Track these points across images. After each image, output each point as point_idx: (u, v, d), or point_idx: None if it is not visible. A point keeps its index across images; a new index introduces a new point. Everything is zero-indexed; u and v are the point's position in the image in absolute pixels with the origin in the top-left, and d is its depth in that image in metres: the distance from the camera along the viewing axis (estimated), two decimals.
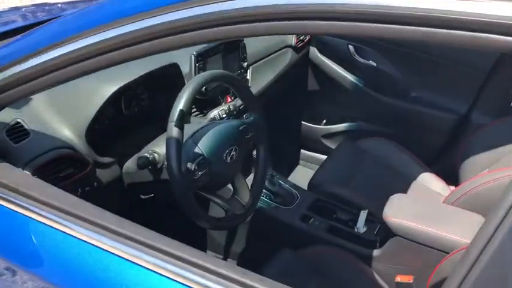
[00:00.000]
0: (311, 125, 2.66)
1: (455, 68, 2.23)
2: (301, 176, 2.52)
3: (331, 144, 2.59)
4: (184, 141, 1.25)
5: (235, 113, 1.67)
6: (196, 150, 1.23)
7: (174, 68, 1.52)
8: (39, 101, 1.27)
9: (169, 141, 1.13)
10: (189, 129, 1.32)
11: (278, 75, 2.13)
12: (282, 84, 2.27)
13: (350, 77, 2.43)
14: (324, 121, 2.64)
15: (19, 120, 1.20)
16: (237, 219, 1.34)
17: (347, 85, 2.44)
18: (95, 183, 1.26)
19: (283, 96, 2.53)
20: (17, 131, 1.18)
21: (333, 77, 2.46)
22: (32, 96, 1.27)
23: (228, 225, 1.33)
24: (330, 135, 2.62)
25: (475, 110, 2.22)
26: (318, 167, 2.14)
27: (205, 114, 1.64)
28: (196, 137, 1.27)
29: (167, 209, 1.20)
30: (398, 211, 1.54)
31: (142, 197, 1.39)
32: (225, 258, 1.96)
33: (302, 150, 2.74)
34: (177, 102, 1.16)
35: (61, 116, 1.25)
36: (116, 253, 0.84)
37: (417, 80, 2.31)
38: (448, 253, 1.40)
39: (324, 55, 2.45)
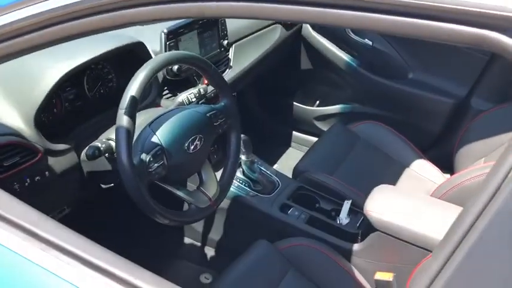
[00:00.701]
0: (304, 106, 2.54)
1: (456, 49, 2.08)
2: (293, 158, 2.42)
3: (324, 127, 2.47)
4: (142, 129, 1.16)
5: (206, 97, 1.56)
6: (154, 139, 1.13)
7: (140, 47, 1.41)
8: None
9: (119, 131, 1.04)
10: (148, 116, 1.22)
11: (265, 54, 2.01)
12: (270, 63, 2.15)
13: (345, 56, 2.29)
14: (317, 102, 2.52)
15: None
16: (199, 214, 1.26)
17: (341, 65, 2.31)
18: (47, 172, 1.17)
19: (271, 75, 2.41)
20: None
21: (327, 56, 2.32)
22: None
23: (189, 220, 1.25)
24: (323, 117, 2.50)
25: (475, 95, 2.08)
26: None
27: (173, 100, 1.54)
28: (155, 124, 1.17)
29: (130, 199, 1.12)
30: (380, 205, 1.44)
31: (103, 186, 1.31)
32: (202, 246, 1.90)
33: (294, 132, 2.63)
34: (128, 88, 1.06)
35: (8, 101, 1.15)
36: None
37: (415, 61, 2.18)
38: (430, 251, 1.31)
39: (317, 32, 2.31)
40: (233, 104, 1.34)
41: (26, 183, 1.13)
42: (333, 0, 0.58)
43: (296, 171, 1.89)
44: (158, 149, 1.12)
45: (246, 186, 1.73)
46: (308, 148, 2.12)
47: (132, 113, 1.05)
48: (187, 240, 1.94)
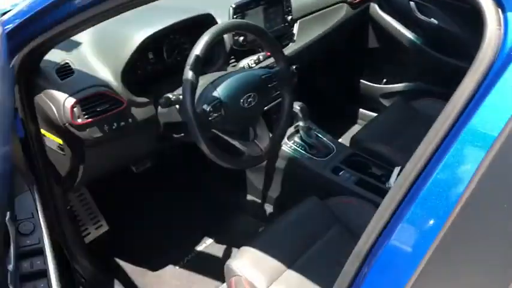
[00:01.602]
0: (370, 83, 2.64)
1: None
2: None
3: (389, 104, 2.55)
4: (205, 86, 1.38)
5: (268, 66, 1.75)
6: (214, 94, 1.35)
7: (209, 19, 1.62)
8: (85, 45, 1.46)
9: (185, 83, 1.26)
10: (212, 77, 1.43)
11: (329, 31, 2.14)
12: (335, 40, 2.28)
13: (411, 35, 2.36)
14: (384, 80, 2.60)
15: (67, 61, 1.40)
16: (252, 161, 1.45)
17: (407, 44, 2.37)
18: (130, 119, 1.44)
19: (338, 52, 2.53)
20: (64, 70, 1.38)
21: (394, 35, 2.40)
22: (80, 41, 1.47)
23: (244, 165, 1.44)
24: (389, 95, 2.58)
25: None
26: None
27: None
28: (216, 82, 1.38)
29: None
30: None
31: (175, 136, 1.55)
32: (262, 203, 2.10)
33: (360, 109, 2.74)
34: (194, 48, 1.28)
35: (102, 59, 1.43)
36: None
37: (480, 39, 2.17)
38: None
39: (384, 12, 2.40)
40: (287, 70, 1.51)
41: (113, 127, 1.41)
42: None
43: (353, 140, 2.02)
44: (217, 101, 1.33)
45: (302, 149, 1.90)
46: None
47: (196, 69, 1.27)
48: (249, 197, 2.16)
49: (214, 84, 1.38)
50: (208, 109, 1.31)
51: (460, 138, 0.66)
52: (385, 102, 2.60)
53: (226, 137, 1.39)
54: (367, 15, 2.44)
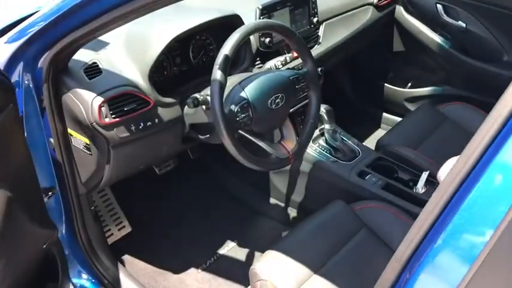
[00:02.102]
0: (395, 87, 2.60)
1: None
2: None
3: (414, 108, 2.51)
4: (233, 86, 1.36)
5: (294, 68, 1.73)
6: (242, 94, 1.33)
7: (237, 19, 1.61)
8: (113, 45, 1.46)
9: (213, 83, 1.25)
10: (240, 77, 1.42)
11: (355, 33, 2.12)
12: (361, 42, 2.25)
13: (437, 38, 2.32)
14: (409, 84, 2.56)
15: (95, 60, 1.40)
16: (279, 163, 1.43)
17: (434, 47, 2.33)
18: (156, 120, 1.43)
19: (363, 55, 2.50)
20: (92, 70, 1.38)
21: (420, 38, 2.36)
22: (108, 41, 1.47)
23: (270, 168, 1.42)
24: (413, 99, 2.54)
25: None
26: None
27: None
28: (244, 83, 1.37)
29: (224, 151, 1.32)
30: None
31: (201, 137, 1.54)
32: (285, 207, 2.08)
33: (384, 114, 2.70)
34: (223, 48, 1.26)
35: (129, 59, 1.42)
36: None
37: (511, 43, 2.13)
38: None
39: (410, 14, 2.36)
40: (315, 72, 1.49)
41: (140, 127, 1.40)
42: None
43: (379, 144, 1.98)
44: (245, 102, 1.32)
45: (327, 152, 1.87)
46: None
47: (224, 68, 1.25)
48: (272, 200, 2.14)
49: (242, 85, 1.36)
50: (236, 110, 1.30)
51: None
52: (410, 107, 2.56)
53: (252, 138, 1.37)
54: (392, 18, 2.40)
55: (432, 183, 1.73)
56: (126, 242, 2.00)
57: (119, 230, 2.02)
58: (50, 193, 1.60)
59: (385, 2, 2.27)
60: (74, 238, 1.69)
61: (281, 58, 1.66)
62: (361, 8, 2.17)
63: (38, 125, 1.38)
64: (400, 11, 2.38)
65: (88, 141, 1.42)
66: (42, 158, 1.43)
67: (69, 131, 1.45)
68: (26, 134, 1.31)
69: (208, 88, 1.47)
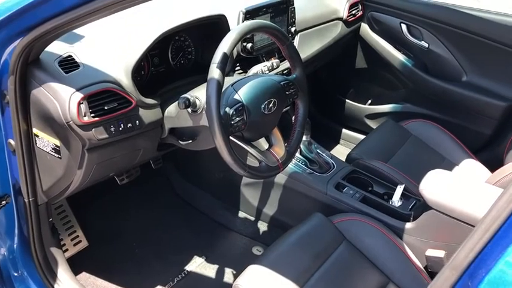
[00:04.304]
0: (356, 103, 2.63)
1: (510, 54, 2.13)
2: (341, 154, 2.51)
3: (374, 125, 2.55)
4: (225, 88, 1.28)
5: (277, 71, 1.69)
6: (236, 97, 1.25)
7: (221, 20, 1.54)
8: (91, 38, 1.33)
9: (211, 82, 1.16)
10: (230, 79, 1.34)
11: (326, 47, 2.11)
12: (328, 57, 2.25)
13: (400, 56, 2.38)
14: (370, 101, 2.60)
15: (71, 53, 1.26)
16: (270, 171, 1.35)
17: (396, 65, 2.39)
18: (137, 122, 1.30)
19: (326, 71, 2.51)
20: (68, 63, 1.24)
21: (383, 55, 2.42)
22: (85, 34, 1.34)
23: (261, 176, 1.34)
24: (374, 116, 2.58)
25: None
26: None
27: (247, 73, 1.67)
28: (237, 85, 1.29)
29: (202, 157, 1.23)
30: (435, 184, 1.51)
31: (181, 142, 1.43)
32: (256, 220, 2.00)
33: (344, 129, 2.71)
34: (221, 45, 1.18)
35: (111, 54, 1.30)
36: None
37: (470, 64, 2.22)
38: None
39: (374, 32, 2.41)
40: (304, 78, 1.44)
41: (120, 128, 1.26)
42: None
43: (349, 157, 1.97)
44: (240, 105, 1.23)
45: (303, 164, 1.83)
46: (355, 145, 2.20)
47: (223, 68, 1.16)
48: (241, 214, 2.04)
49: (234, 87, 1.28)
50: (231, 112, 1.21)
51: None
52: (370, 123, 2.59)
53: (243, 145, 1.29)
54: (357, 34, 2.44)
55: (407, 196, 1.74)
56: (83, 258, 1.81)
57: (74, 245, 1.83)
58: (3, 202, 1.42)
59: (353, 18, 2.30)
60: (29, 255, 1.50)
61: (267, 63, 1.60)
62: (333, 22, 2.18)
63: None
64: (365, 28, 2.43)
65: (58, 143, 1.27)
66: None
67: (35, 131, 1.29)
68: None
69: (196, 89, 1.39)
